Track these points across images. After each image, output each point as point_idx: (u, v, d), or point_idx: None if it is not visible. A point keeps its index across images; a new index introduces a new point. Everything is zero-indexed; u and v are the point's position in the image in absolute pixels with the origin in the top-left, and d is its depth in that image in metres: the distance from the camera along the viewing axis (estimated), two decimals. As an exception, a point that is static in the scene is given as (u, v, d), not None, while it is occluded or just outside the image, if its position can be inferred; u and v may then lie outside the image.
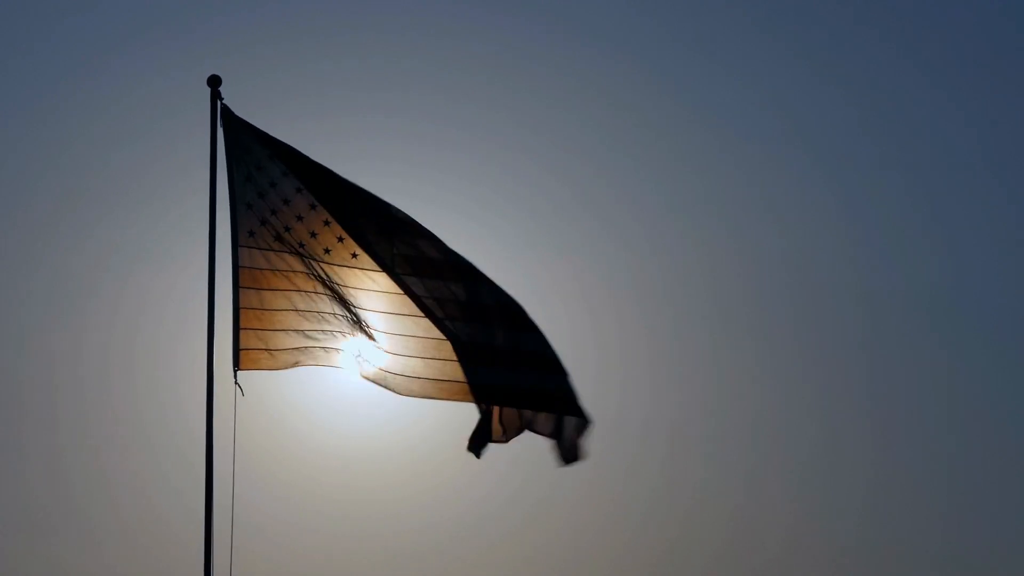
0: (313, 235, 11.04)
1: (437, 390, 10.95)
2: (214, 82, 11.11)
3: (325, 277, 10.97)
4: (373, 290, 11.03)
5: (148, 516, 19.02)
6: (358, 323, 11.01)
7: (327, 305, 11.04)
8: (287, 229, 11.02)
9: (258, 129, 11.08)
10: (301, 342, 11.03)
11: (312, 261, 11.01)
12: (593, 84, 21.77)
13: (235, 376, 10.89)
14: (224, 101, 11.08)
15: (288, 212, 11.03)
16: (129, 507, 19.24)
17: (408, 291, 10.94)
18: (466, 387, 10.88)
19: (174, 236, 19.69)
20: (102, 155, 21.03)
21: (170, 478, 18.77)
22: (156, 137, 20.44)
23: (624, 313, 21.03)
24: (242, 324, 10.96)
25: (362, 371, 11.04)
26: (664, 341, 20.77)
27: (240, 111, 11.12)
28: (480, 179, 21.15)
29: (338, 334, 11.06)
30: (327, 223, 11.00)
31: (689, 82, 22.20)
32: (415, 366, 10.97)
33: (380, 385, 11.03)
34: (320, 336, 11.03)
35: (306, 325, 11.05)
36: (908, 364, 21.19)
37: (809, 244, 21.48)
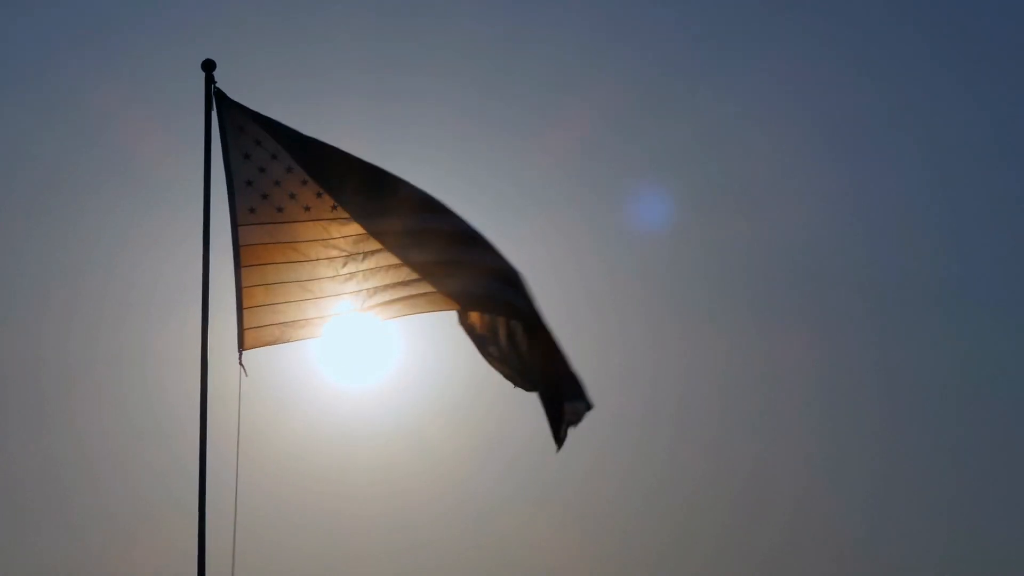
0: (318, 195, 11.04)
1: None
2: (208, 66, 11.12)
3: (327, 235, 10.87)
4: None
5: (143, 505, 18.85)
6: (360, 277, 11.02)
7: (333, 269, 10.89)
8: (292, 196, 10.98)
9: (250, 109, 11.08)
10: (307, 312, 11.00)
11: (318, 222, 11.00)
12: (597, 69, 21.60)
13: (240, 357, 10.83)
14: (218, 85, 11.07)
15: (293, 179, 11.01)
16: (124, 496, 19.08)
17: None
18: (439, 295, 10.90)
19: (169, 220, 19.51)
20: (96, 139, 20.83)
21: (168, 466, 18.60)
22: (151, 121, 20.22)
23: (627, 302, 20.85)
24: (245, 304, 10.91)
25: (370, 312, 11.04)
26: (668, 330, 20.61)
27: (235, 96, 11.12)
28: (481, 165, 20.97)
29: (344, 296, 10.91)
30: (319, 195, 11.00)
31: (699, 68, 22.04)
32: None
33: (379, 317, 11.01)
34: (325, 304, 10.89)
35: (310, 295, 10.99)
36: (915, 354, 21.15)
37: (816, 233, 21.42)
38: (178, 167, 18.57)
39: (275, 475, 18.30)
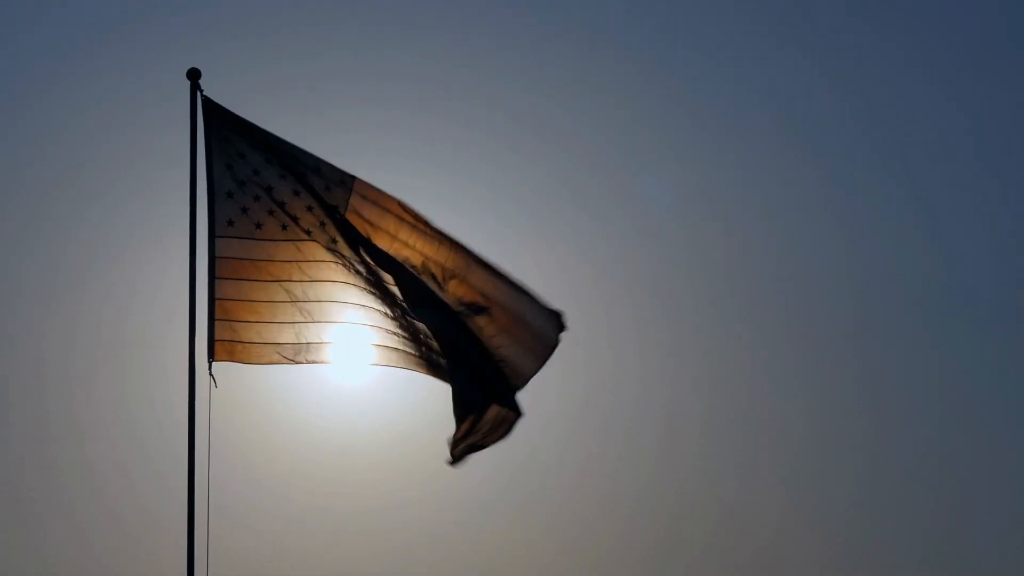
0: (295, 219, 11.07)
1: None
2: (194, 75, 11.17)
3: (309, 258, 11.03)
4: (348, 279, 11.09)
5: (132, 506, 19.01)
6: (350, 305, 11.04)
7: (312, 292, 11.04)
8: (270, 213, 11.02)
9: (241, 118, 11.12)
10: (278, 336, 11.05)
11: (295, 243, 11.05)
12: (585, 77, 21.72)
13: (209, 367, 10.91)
14: (204, 93, 11.11)
15: (270, 199, 11.06)
16: (114, 497, 19.23)
17: (376, 286, 11.02)
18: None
19: (156, 230, 19.65)
20: (83, 150, 20.98)
21: (155, 470, 18.77)
22: (137, 131, 20.39)
23: (614, 305, 20.96)
24: (217, 315, 10.98)
25: (366, 359, 11.14)
26: (655, 333, 20.73)
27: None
28: (469, 171, 21.10)
29: (323, 324, 11.05)
30: (310, 208, 11.07)
31: (683, 76, 22.18)
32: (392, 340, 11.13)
33: (383, 365, 11.13)
34: (301, 329, 11.02)
35: (284, 317, 11.08)
36: (899, 357, 21.22)
37: (801, 237, 21.48)
38: (168, 176, 18.73)
39: (254, 480, 18.49)
